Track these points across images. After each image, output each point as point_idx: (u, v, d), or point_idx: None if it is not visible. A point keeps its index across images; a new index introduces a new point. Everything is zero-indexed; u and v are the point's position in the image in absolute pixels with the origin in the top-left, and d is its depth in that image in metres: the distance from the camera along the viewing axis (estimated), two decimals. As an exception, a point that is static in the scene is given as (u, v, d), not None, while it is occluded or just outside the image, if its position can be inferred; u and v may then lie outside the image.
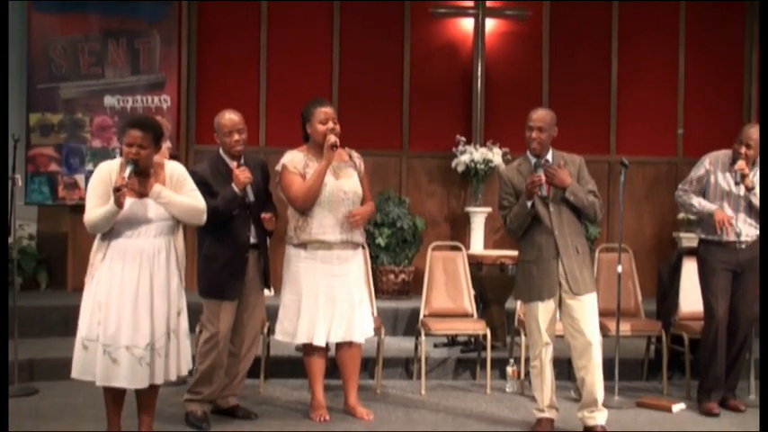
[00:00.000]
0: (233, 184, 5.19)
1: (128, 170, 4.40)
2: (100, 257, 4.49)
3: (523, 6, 9.05)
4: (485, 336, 6.36)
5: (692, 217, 8.10)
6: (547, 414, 5.23)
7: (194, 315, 5.14)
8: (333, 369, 5.90)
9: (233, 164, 5.30)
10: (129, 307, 4.41)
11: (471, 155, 8.62)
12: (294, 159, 5.44)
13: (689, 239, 8.25)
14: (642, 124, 9.30)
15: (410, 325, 7.35)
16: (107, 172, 4.51)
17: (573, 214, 5.16)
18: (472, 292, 6.76)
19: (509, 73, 9.16)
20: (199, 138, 8.72)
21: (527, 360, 5.70)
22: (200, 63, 8.90)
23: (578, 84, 9.23)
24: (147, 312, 4.44)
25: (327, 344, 5.44)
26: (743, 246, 5.82)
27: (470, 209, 8.79)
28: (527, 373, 5.74)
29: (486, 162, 8.58)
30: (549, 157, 5.21)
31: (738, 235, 5.81)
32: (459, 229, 9.01)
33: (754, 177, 5.81)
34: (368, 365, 6.41)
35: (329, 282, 5.37)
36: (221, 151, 5.38)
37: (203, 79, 8.89)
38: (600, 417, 5.13)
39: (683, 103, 9.40)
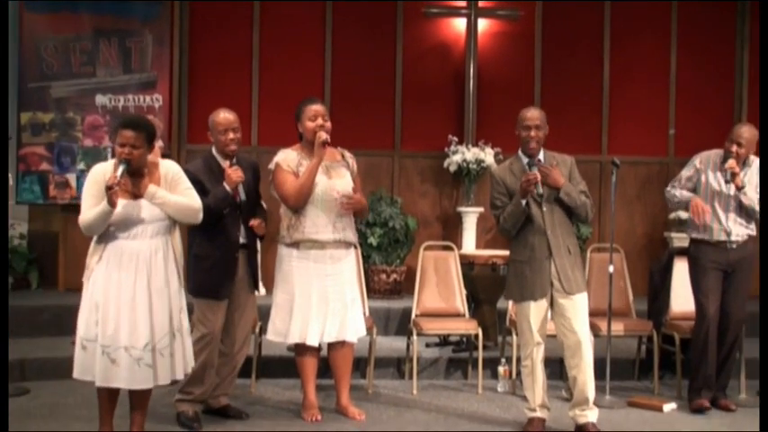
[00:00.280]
0: (225, 183, 5.19)
1: (120, 169, 4.38)
2: (96, 259, 4.49)
3: (516, 6, 9.05)
4: (476, 335, 6.37)
5: (683, 216, 8.15)
6: (538, 413, 5.23)
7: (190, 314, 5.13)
8: (325, 369, 5.90)
9: (225, 163, 5.30)
10: (127, 308, 4.41)
11: (463, 155, 8.62)
12: (287, 158, 5.44)
13: (680, 239, 8.27)
14: (634, 124, 9.31)
15: (402, 325, 7.35)
16: (101, 173, 4.49)
17: (564, 214, 5.18)
18: (464, 291, 6.76)
19: (501, 73, 9.16)
20: (191, 137, 8.71)
21: (518, 360, 5.70)
22: (192, 62, 8.89)
23: (570, 84, 9.24)
24: (145, 313, 4.43)
25: (320, 344, 5.44)
26: (733, 245, 5.84)
27: (462, 209, 8.79)
28: (518, 373, 5.74)
29: (479, 162, 8.59)
30: (541, 156, 5.22)
31: (729, 234, 5.83)
32: (451, 229, 9.01)
33: (745, 177, 5.83)
34: (359, 365, 6.40)
35: (322, 281, 5.37)
36: (214, 150, 5.38)
37: (195, 79, 8.87)
38: (591, 415, 5.15)
39: (674, 104, 9.42)
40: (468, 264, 6.96)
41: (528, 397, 5.26)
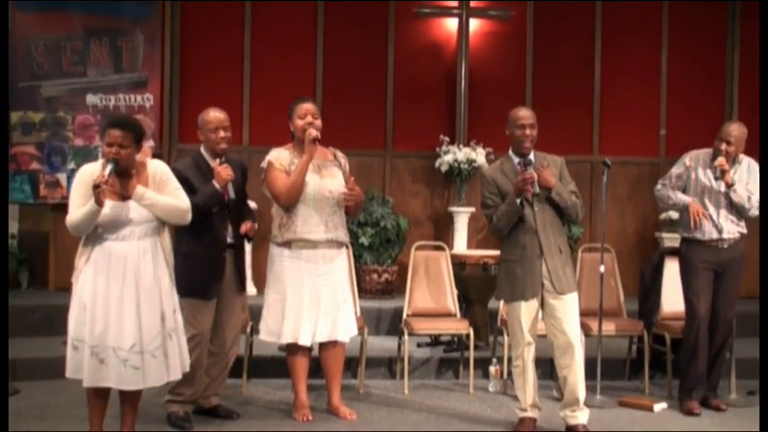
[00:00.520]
0: (214, 181, 5.17)
1: (108, 167, 4.35)
2: (84, 261, 4.46)
3: (507, 6, 9.06)
4: (468, 335, 6.37)
5: (674, 216, 8.16)
6: (529, 413, 5.24)
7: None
8: (316, 369, 5.90)
9: (214, 162, 5.28)
10: (114, 310, 4.39)
11: (455, 155, 8.63)
12: (280, 156, 5.44)
13: (671, 239, 8.29)
14: (625, 125, 9.33)
15: (393, 325, 7.35)
16: (89, 173, 4.46)
17: (555, 214, 5.18)
18: (455, 291, 6.76)
19: (493, 73, 9.17)
20: (182, 137, 8.69)
21: (510, 359, 5.71)
22: (184, 62, 8.87)
23: (561, 84, 9.25)
24: (132, 315, 4.41)
25: (311, 343, 5.44)
26: (725, 245, 5.85)
27: (454, 209, 8.80)
28: (510, 373, 5.75)
29: (470, 162, 8.59)
30: (531, 156, 5.22)
31: (720, 231, 5.84)
32: (443, 229, 9.01)
33: (735, 174, 5.85)
34: (351, 365, 6.40)
35: (314, 281, 5.36)
36: (202, 149, 5.37)
37: (186, 78, 8.86)
38: (582, 416, 5.15)
39: (665, 104, 9.44)
40: (459, 264, 6.97)
41: (519, 397, 5.26)
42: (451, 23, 9.07)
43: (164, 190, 4.59)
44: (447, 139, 8.81)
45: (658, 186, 6.13)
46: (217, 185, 5.17)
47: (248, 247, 8.09)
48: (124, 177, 4.49)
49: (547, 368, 6.25)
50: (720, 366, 6.01)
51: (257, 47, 8.97)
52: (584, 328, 6.07)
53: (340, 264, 5.51)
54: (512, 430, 5.30)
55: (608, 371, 6.39)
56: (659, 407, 5.91)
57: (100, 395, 4.55)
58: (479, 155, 8.62)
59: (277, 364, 6.30)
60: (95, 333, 4.37)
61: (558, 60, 9.27)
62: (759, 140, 6.65)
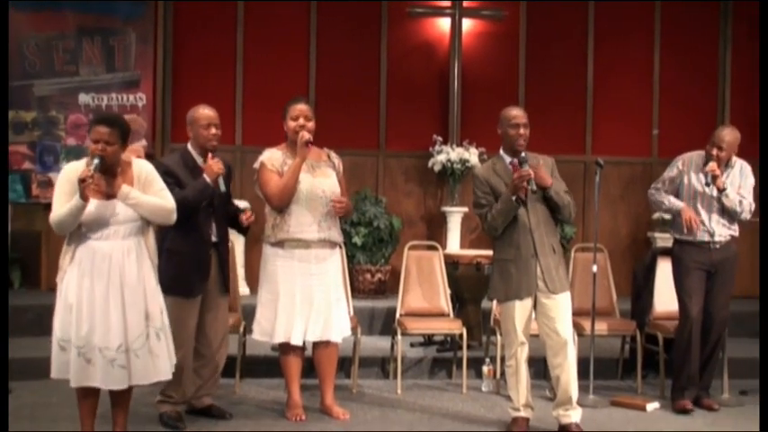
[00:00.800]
0: (204, 175, 5.16)
1: (94, 162, 4.33)
2: (68, 260, 4.44)
3: (500, 6, 9.07)
4: (461, 335, 6.37)
5: (666, 217, 8.17)
6: (522, 413, 5.24)
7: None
8: (309, 368, 5.89)
9: (205, 159, 5.25)
10: (100, 310, 4.37)
11: (448, 154, 8.64)
12: (272, 157, 5.43)
13: (663, 239, 8.30)
14: (618, 124, 9.35)
15: (386, 324, 7.35)
16: (74, 172, 4.42)
17: (548, 214, 5.19)
18: (448, 291, 6.76)
19: (486, 73, 9.17)
20: (174, 136, 8.67)
21: (503, 359, 5.70)
22: (176, 62, 8.86)
23: (554, 84, 9.26)
24: (118, 315, 4.39)
25: (304, 343, 5.43)
26: (717, 246, 5.87)
27: (447, 208, 8.80)
28: (503, 373, 5.74)
29: (463, 162, 8.59)
30: (523, 155, 5.21)
31: (712, 235, 5.86)
32: (436, 229, 9.02)
33: (727, 179, 5.86)
34: (344, 365, 6.38)
35: (307, 281, 5.36)
36: (190, 146, 5.34)
37: (179, 78, 8.85)
38: (574, 415, 5.16)
39: (658, 104, 9.46)
40: (452, 263, 6.96)
41: (512, 396, 5.27)
42: (444, 23, 9.08)
43: (149, 190, 4.56)
44: (440, 138, 8.82)
45: (652, 191, 6.14)
46: (208, 179, 5.16)
47: (241, 247, 8.17)
48: (109, 176, 4.46)
49: (540, 368, 6.26)
50: (713, 366, 6.02)
51: (250, 46, 8.96)
52: (577, 328, 6.07)
53: (333, 263, 5.51)
54: (505, 430, 5.30)
55: (601, 370, 6.39)
56: (652, 406, 5.92)
57: (89, 395, 4.54)
58: (472, 155, 8.62)
59: (270, 364, 6.29)
60: (81, 333, 4.36)
61: (550, 60, 9.28)
62: (759, 140, 6.67)
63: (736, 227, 5.95)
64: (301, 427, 5.30)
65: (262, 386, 6.27)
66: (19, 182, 8.48)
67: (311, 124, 5.40)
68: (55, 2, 8.48)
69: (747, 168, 5.97)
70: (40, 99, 8.50)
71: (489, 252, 5.94)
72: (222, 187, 5.28)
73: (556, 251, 5.17)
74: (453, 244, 8.64)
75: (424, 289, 6.73)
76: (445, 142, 8.81)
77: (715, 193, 5.83)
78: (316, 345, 5.49)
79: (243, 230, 5.58)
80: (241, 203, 8.26)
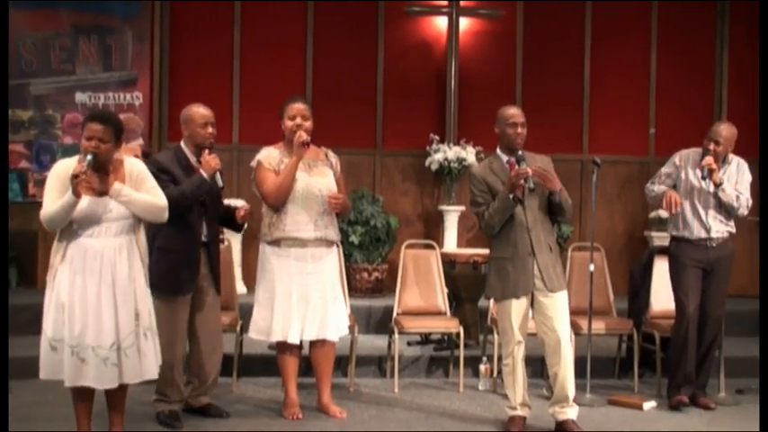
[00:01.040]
0: (201, 170, 5.16)
1: (87, 159, 4.32)
2: (59, 258, 4.42)
3: (497, 6, 9.07)
4: (458, 334, 6.38)
5: (663, 215, 8.19)
6: (519, 412, 5.24)
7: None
8: (306, 367, 5.90)
9: (205, 154, 5.24)
10: (92, 308, 4.36)
11: (445, 153, 8.64)
12: (269, 156, 5.43)
13: (660, 238, 8.31)
14: (614, 124, 9.36)
15: (383, 323, 7.35)
16: (65, 169, 4.41)
17: (545, 213, 5.19)
18: (445, 290, 6.76)
19: (483, 72, 9.18)
20: (171, 135, 8.66)
21: (500, 358, 5.71)
22: (173, 61, 8.86)
23: (551, 83, 9.27)
24: (110, 313, 4.38)
25: (301, 342, 5.43)
26: (713, 243, 5.87)
27: (444, 207, 8.80)
28: (500, 371, 5.74)
29: (460, 161, 8.60)
30: (520, 154, 5.22)
31: (709, 231, 5.85)
32: (433, 228, 9.02)
33: (724, 174, 5.86)
34: (341, 364, 6.39)
35: (303, 279, 5.36)
36: (183, 145, 5.33)
37: (176, 77, 8.85)
38: (571, 412, 5.17)
39: (654, 103, 9.47)
40: (449, 262, 6.97)
41: (509, 395, 5.26)
42: (441, 22, 9.08)
43: (140, 187, 4.54)
44: (437, 137, 8.82)
45: (647, 185, 6.16)
46: (204, 174, 5.15)
47: (238, 246, 8.17)
48: (101, 173, 4.44)
49: (537, 367, 6.27)
50: (709, 365, 6.02)
51: (247, 46, 8.96)
52: (574, 327, 6.08)
53: (330, 262, 5.51)
54: (502, 429, 5.30)
55: (597, 369, 6.40)
56: (648, 405, 5.93)
57: (84, 395, 4.52)
58: (469, 153, 8.63)
59: (267, 363, 6.29)
60: (75, 333, 4.34)
61: (547, 59, 9.29)
62: (759, 139, 6.68)
63: (733, 224, 5.95)
64: (298, 426, 5.30)
65: (259, 385, 6.27)
66: (16, 181, 8.48)
67: (308, 123, 5.40)
68: (51, 0, 8.48)
69: (744, 165, 5.98)
70: (37, 98, 8.50)
71: (486, 251, 5.94)
72: (219, 182, 5.27)
73: (552, 249, 5.18)
74: (450, 243, 8.64)
75: (421, 288, 6.73)
76: (442, 141, 8.82)
77: (712, 188, 5.82)
78: (312, 344, 5.49)
79: (237, 227, 5.57)
80: (238, 202, 8.28)
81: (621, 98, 9.39)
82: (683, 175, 5.96)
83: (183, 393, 5.31)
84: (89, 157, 4.33)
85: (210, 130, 5.28)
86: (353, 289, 8.05)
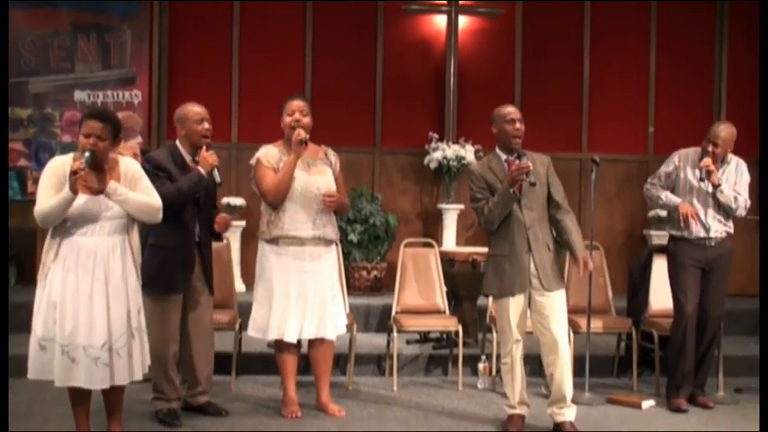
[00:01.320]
0: (199, 167, 5.15)
1: (85, 156, 4.30)
2: (52, 256, 4.41)
3: (496, 5, 9.07)
4: (456, 332, 6.38)
5: (662, 214, 8.19)
6: (518, 410, 5.24)
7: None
8: (305, 366, 5.90)
9: (203, 150, 5.22)
10: (85, 307, 4.34)
11: (444, 152, 8.64)
12: (269, 153, 5.43)
13: (659, 237, 8.31)
14: (613, 122, 9.36)
15: (382, 321, 7.36)
16: (60, 165, 4.41)
17: (543, 212, 5.19)
18: (444, 288, 6.76)
19: (482, 70, 9.18)
20: (170, 133, 8.64)
21: (498, 356, 5.71)
22: (172, 59, 8.85)
23: (550, 82, 9.26)
24: (102, 312, 4.36)
25: (300, 340, 5.43)
26: (712, 243, 5.87)
27: (443, 206, 8.80)
28: (498, 370, 5.75)
29: (459, 159, 8.60)
30: (515, 154, 5.22)
31: (708, 231, 5.86)
32: (432, 226, 9.02)
33: (723, 175, 5.86)
34: (340, 362, 6.40)
35: (301, 278, 5.36)
36: (179, 143, 5.32)
37: (175, 75, 8.84)
38: (568, 413, 5.16)
39: (653, 102, 9.47)
40: (448, 261, 6.97)
41: (508, 394, 5.26)
42: (440, 21, 9.07)
43: (135, 187, 4.53)
44: (436, 136, 8.82)
45: (648, 186, 6.15)
46: (202, 171, 5.15)
47: (237, 244, 8.18)
48: (97, 172, 4.43)
49: (535, 365, 6.25)
50: (708, 364, 6.02)
51: (246, 45, 8.96)
52: (573, 326, 6.08)
53: (328, 261, 5.50)
54: (500, 428, 5.30)
55: (596, 368, 6.41)
56: (647, 404, 5.93)
57: (81, 394, 4.51)
58: (468, 152, 8.62)
59: (266, 361, 6.29)
60: (65, 332, 4.32)
61: (547, 58, 9.28)
62: (759, 138, 6.67)
63: (731, 224, 5.95)
64: (297, 425, 5.29)
65: (257, 383, 6.27)
66: (14, 179, 8.48)
67: (307, 120, 5.39)
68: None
69: (743, 165, 5.98)
70: (36, 96, 8.50)
71: (485, 249, 5.94)
72: (218, 178, 5.26)
73: (550, 249, 5.17)
74: (449, 241, 8.64)
75: (420, 286, 6.74)
76: (441, 139, 8.81)
77: (710, 189, 5.83)
78: (311, 342, 5.49)
79: (216, 236, 5.51)
80: (237, 200, 8.30)
81: (621, 97, 9.39)
82: (681, 175, 5.96)
83: (179, 390, 5.31)
84: (87, 154, 4.32)
85: (206, 125, 5.28)
86: (352, 287, 8.05)
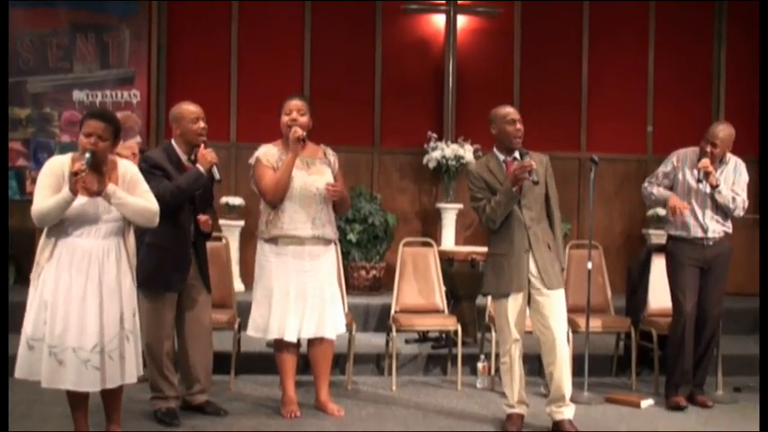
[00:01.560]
0: (197, 165, 5.15)
1: (85, 157, 4.30)
2: (46, 256, 4.39)
3: (495, 4, 9.07)
4: (455, 332, 6.38)
5: (661, 213, 8.19)
6: (517, 410, 5.24)
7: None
8: (304, 365, 5.90)
9: (201, 147, 5.22)
10: (76, 308, 4.32)
11: (443, 151, 8.64)
12: (268, 152, 5.43)
13: (658, 236, 8.31)
14: (612, 122, 9.36)
15: (381, 321, 7.36)
16: (59, 165, 4.40)
17: (543, 212, 5.19)
18: (443, 288, 6.76)
19: (480, 70, 9.18)
20: (168, 133, 8.53)
21: (497, 356, 5.71)
22: (171, 59, 8.85)
23: (549, 81, 9.26)
24: (95, 314, 4.34)
25: (299, 340, 5.43)
26: (710, 242, 5.87)
27: (441, 205, 8.80)
28: (497, 369, 5.75)
29: (458, 158, 8.60)
30: (517, 155, 5.22)
31: (705, 231, 5.86)
32: (431, 226, 9.02)
33: (721, 175, 5.87)
34: (339, 361, 6.40)
35: (300, 277, 5.36)
36: (174, 142, 5.32)
37: (173, 75, 8.84)
38: (567, 411, 5.16)
39: (652, 101, 9.47)
40: (447, 260, 6.97)
41: (507, 393, 5.26)
42: (439, 20, 9.07)
43: (134, 191, 4.51)
44: (435, 135, 8.82)
45: (645, 184, 6.16)
46: (201, 168, 5.15)
47: (236, 244, 8.18)
48: (96, 174, 4.41)
49: (534, 364, 6.25)
50: (707, 363, 6.02)
51: (245, 44, 8.96)
52: (572, 325, 6.08)
53: (327, 260, 5.50)
54: (499, 428, 5.30)
55: (595, 367, 6.40)
56: (646, 403, 5.93)
57: (79, 394, 4.49)
58: (467, 151, 8.63)
59: (265, 361, 6.28)
60: (55, 333, 4.30)
61: (545, 58, 9.28)
62: (759, 138, 6.67)
63: (729, 224, 5.95)
64: (296, 424, 5.29)
65: (257, 383, 6.27)
66: (13, 179, 8.47)
67: (304, 119, 5.39)
68: (49, -1, 8.49)
69: (742, 165, 5.98)
70: (34, 96, 8.49)
71: (484, 249, 5.94)
72: (217, 175, 5.25)
73: (550, 248, 5.18)
74: (448, 241, 8.64)
75: (419, 285, 6.73)
76: (440, 139, 8.81)
77: (708, 189, 5.83)
78: (310, 341, 5.49)
79: (206, 236, 5.47)
80: (236, 200, 8.30)
81: (619, 96, 9.39)
82: (680, 175, 5.96)
83: (177, 389, 5.31)
84: (87, 155, 4.31)
85: (202, 124, 5.28)
86: (351, 287, 8.05)
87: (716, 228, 5.88)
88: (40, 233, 4.47)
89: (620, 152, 9.30)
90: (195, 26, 8.88)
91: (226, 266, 6.47)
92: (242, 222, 8.32)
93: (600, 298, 6.70)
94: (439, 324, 6.58)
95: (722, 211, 5.88)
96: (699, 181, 5.82)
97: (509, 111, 5.21)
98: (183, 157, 5.27)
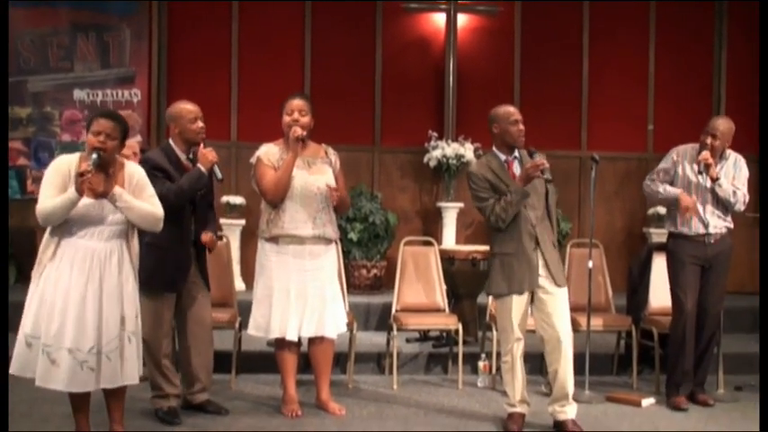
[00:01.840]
0: (199, 164, 5.15)
1: (92, 158, 4.30)
2: (49, 255, 4.39)
3: (495, 3, 9.06)
4: (456, 330, 6.38)
5: (661, 212, 8.18)
6: (518, 409, 5.24)
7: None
8: (305, 364, 5.90)
9: (201, 147, 5.22)
10: (75, 309, 4.31)
11: (443, 150, 8.64)
12: (269, 152, 5.43)
13: (659, 235, 8.31)
14: (613, 120, 9.36)
15: (382, 320, 7.36)
16: (66, 164, 4.40)
17: (545, 210, 5.19)
18: (444, 286, 6.76)
19: (481, 69, 9.18)
20: (169, 132, 8.63)
21: (499, 355, 5.71)
22: (171, 58, 8.85)
23: (550, 80, 9.26)
24: (94, 316, 4.33)
25: (300, 339, 5.43)
26: (711, 239, 5.86)
27: (442, 204, 8.80)
28: (498, 368, 5.75)
29: (458, 157, 8.60)
30: (516, 153, 5.23)
31: (707, 226, 5.84)
32: (431, 225, 9.02)
33: (721, 170, 5.86)
34: (340, 360, 6.40)
35: (301, 276, 5.36)
36: (172, 142, 5.32)
37: (174, 74, 8.84)
38: (570, 411, 5.16)
39: (653, 100, 9.47)
40: (448, 259, 6.96)
41: (508, 392, 5.26)
42: (439, 19, 9.08)
43: (140, 195, 4.50)
44: (435, 134, 8.82)
45: (647, 182, 6.13)
46: (202, 168, 5.15)
47: (237, 243, 8.18)
48: (102, 175, 4.39)
49: (535, 363, 6.26)
50: (708, 361, 6.02)
51: (245, 44, 8.97)
52: (573, 324, 6.03)
53: (328, 260, 5.50)
54: (500, 427, 5.30)
55: (596, 366, 6.40)
56: (647, 402, 5.93)
57: (80, 394, 4.48)
58: (468, 150, 8.63)
59: (266, 360, 6.28)
60: (51, 332, 4.29)
61: (546, 57, 9.29)
62: (759, 135, 6.67)
63: (730, 219, 5.94)
64: (297, 423, 5.29)
65: (258, 382, 6.27)
66: (14, 178, 8.48)
67: (305, 119, 5.39)
68: (50, -1, 8.49)
69: (742, 161, 5.97)
70: (35, 95, 8.50)
71: (485, 247, 5.95)
72: (218, 174, 5.26)
73: (555, 246, 5.20)
74: (449, 239, 8.64)
75: (420, 284, 6.73)
76: (440, 138, 8.82)
77: (708, 183, 5.82)
78: (311, 340, 5.49)
79: (202, 247, 5.45)
80: (236, 199, 8.30)
81: (620, 95, 9.40)
82: (680, 170, 5.95)
83: (177, 386, 5.31)
84: (94, 156, 4.31)
85: (200, 124, 5.28)
86: (352, 286, 8.05)
87: (717, 223, 5.87)
88: (41, 232, 4.47)
89: (620, 151, 9.30)
90: (196, 26, 8.89)
91: (226, 265, 6.48)
92: (243, 221, 8.33)
93: (601, 297, 6.70)
94: (440, 323, 6.58)
95: (723, 205, 5.86)
96: (699, 173, 5.80)
97: (511, 111, 5.21)
98: (182, 157, 5.27)
